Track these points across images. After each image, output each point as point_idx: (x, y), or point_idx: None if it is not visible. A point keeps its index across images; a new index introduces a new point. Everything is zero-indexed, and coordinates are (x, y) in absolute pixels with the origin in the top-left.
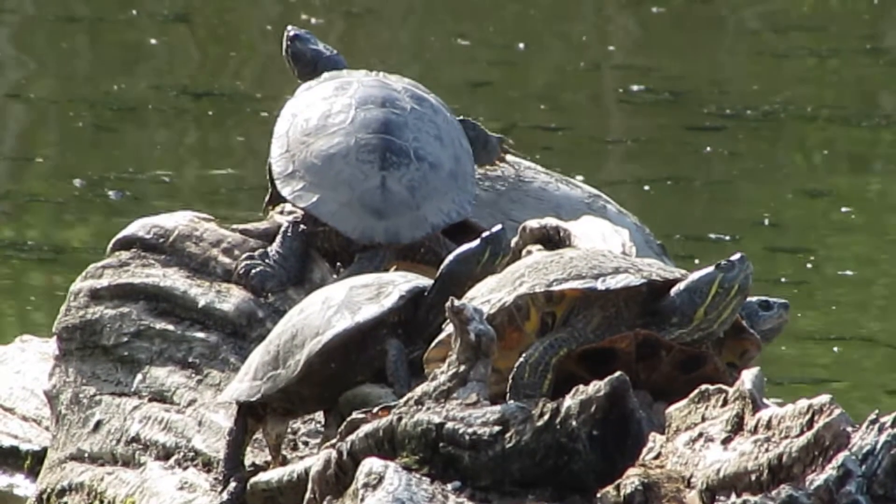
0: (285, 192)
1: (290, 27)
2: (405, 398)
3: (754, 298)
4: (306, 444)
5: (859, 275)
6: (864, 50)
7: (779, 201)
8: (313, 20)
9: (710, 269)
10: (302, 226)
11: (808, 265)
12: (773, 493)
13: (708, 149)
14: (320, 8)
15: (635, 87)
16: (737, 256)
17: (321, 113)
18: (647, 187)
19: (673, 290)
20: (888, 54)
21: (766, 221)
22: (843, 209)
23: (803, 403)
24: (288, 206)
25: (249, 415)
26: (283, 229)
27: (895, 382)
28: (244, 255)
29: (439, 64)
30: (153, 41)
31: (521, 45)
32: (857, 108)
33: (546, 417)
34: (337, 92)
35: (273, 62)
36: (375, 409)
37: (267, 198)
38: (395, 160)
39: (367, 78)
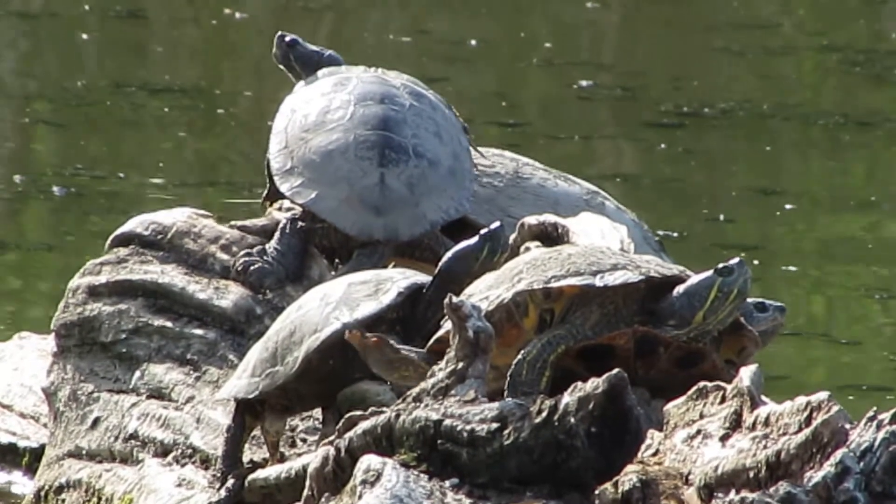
0: (284, 188)
1: (281, 33)
2: (403, 395)
3: (750, 299)
4: (304, 440)
5: (809, 271)
6: (819, 47)
7: (733, 198)
8: (240, 15)
9: (709, 273)
10: (300, 222)
11: (756, 261)
12: (772, 489)
13: (662, 146)
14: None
15: (585, 83)
16: (735, 261)
17: (320, 109)
18: (595, 185)
19: (672, 294)
20: (841, 52)
21: (722, 217)
22: (796, 206)
23: (801, 400)
24: (286, 203)
25: (247, 412)
26: (281, 226)
27: (845, 378)
28: (242, 252)
29: (393, 59)
30: (102, 37)
31: (473, 42)
32: (813, 106)
33: (544, 414)
34: (336, 88)
35: (225, 57)
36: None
37: (265, 193)
38: (394, 157)
39: (366, 74)
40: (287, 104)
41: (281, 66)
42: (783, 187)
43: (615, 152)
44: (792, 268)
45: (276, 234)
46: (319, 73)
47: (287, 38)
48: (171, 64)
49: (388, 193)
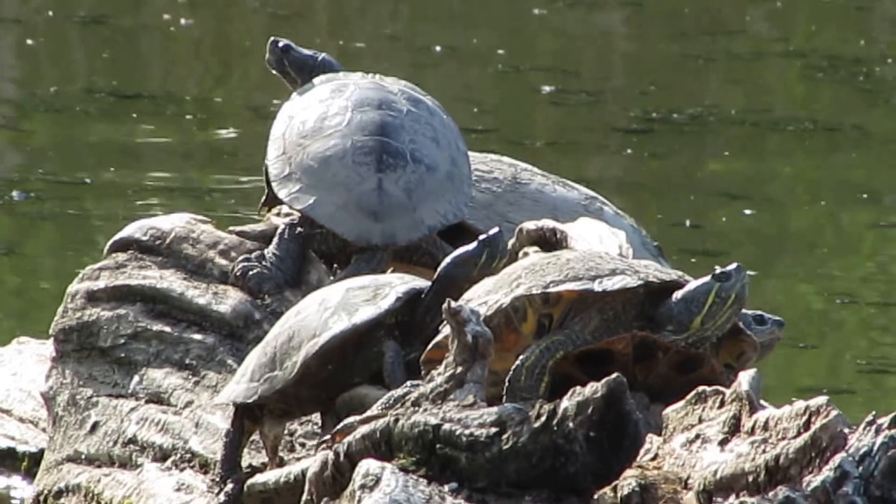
0: (282, 194)
1: (274, 38)
2: (402, 399)
3: (750, 311)
4: (303, 445)
5: (774, 275)
6: (785, 53)
7: (699, 204)
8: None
9: (707, 278)
10: (299, 228)
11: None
12: (770, 494)
13: (629, 151)
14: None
15: (548, 88)
16: (733, 266)
17: (317, 115)
18: None
19: (671, 299)
20: (806, 58)
21: (688, 223)
22: (763, 211)
23: (800, 405)
24: (284, 208)
25: (246, 416)
26: (279, 231)
27: (805, 380)
28: (241, 257)
29: (358, 66)
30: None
31: (438, 48)
32: (782, 111)
33: (543, 419)
34: (333, 94)
35: (194, 62)
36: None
37: (263, 199)
38: (392, 162)
39: (364, 80)
40: (284, 110)
41: (275, 72)
42: (750, 192)
43: (580, 158)
44: (755, 272)
45: (275, 240)
46: (316, 79)
47: (280, 44)
48: (138, 70)
49: (386, 199)
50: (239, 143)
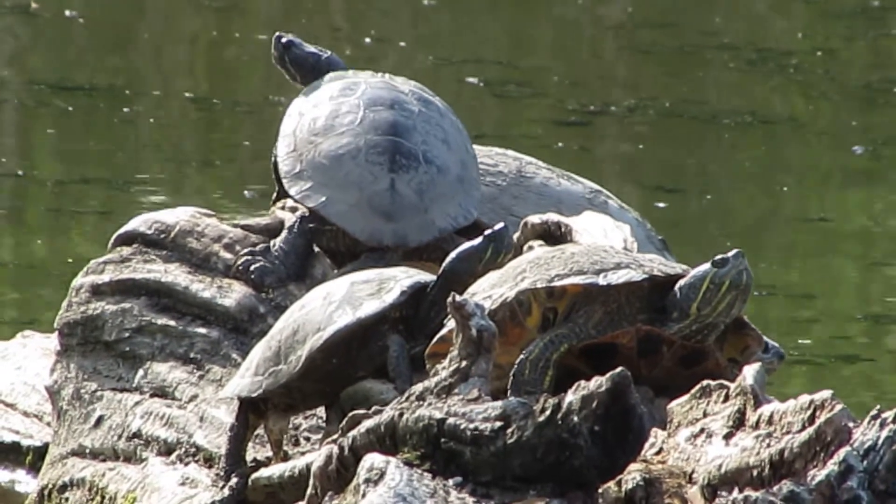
0: (293, 191)
1: (279, 33)
2: (406, 393)
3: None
4: (308, 439)
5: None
6: (721, 45)
7: (635, 196)
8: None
9: (707, 265)
10: (308, 224)
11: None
12: (775, 488)
13: (560, 144)
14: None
15: (472, 79)
16: (732, 253)
17: (328, 113)
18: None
19: (677, 286)
20: (739, 50)
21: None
22: (701, 203)
23: (805, 399)
24: (290, 202)
25: (251, 410)
26: (288, 226)
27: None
28: (245, 250)
29: None
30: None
31: (367, 40)
32: (721, 105)
33: (547, 413)
34: (344, 92)
35: (138, 59)
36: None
37: (274, 196)
38: (405, 163)
39: (374, 79)
40: (295, 107)
41: (278, 67)
42: (685, 185)
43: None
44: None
45: (283, 234)
46: (325, 77)
47: (283, 39)
48: (69, 61)
49: (399, 199)
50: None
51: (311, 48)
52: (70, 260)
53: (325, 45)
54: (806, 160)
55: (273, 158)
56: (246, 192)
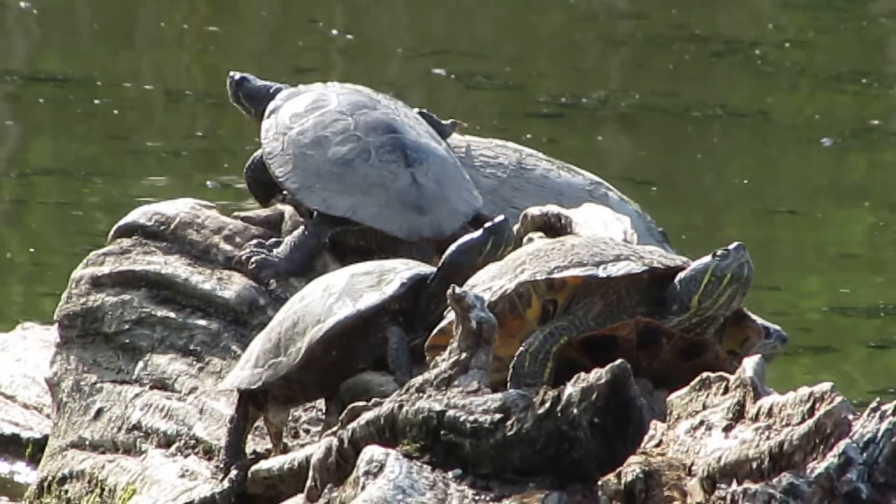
0: (313, 203)
1: (232, 73)
2: (406, 386)
3: (758, 321)
4: (307, 431)
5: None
6: (691, 37)
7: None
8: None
9: (708, 257)
10: (326, 225)
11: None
12: (774, 480)
13: (528, 136)
14: None
15: (440, 70)
16: (733, 245)
17: (314, 125)
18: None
19: (677, 279)
20: (708, 42)
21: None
22: (670, 197)
23: (804, 391)
24: (288, 195)
25: (251, 402)
26: (302, 226)
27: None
28: (254, 242)
29: (270, 52)
30: None
31: (335, 31)
32: (689, 98)
33: (547, 405)
34: (318, 104)
35: (102, 48)
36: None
37: (280, 196)
38: (416, 156)
39: (333, 87)
40: (271, 128)
41: (235, 105)
42: (654, 178)
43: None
44: None
45: (297, 232)
46: (278, 96)
47: (237, 77)
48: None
49: (424, 192)
50: None
51: (261, 82)
52: (32, 249)
53: (293, 35)
54: (773, 151)
55: (249, 170)
56: (209, 182)
